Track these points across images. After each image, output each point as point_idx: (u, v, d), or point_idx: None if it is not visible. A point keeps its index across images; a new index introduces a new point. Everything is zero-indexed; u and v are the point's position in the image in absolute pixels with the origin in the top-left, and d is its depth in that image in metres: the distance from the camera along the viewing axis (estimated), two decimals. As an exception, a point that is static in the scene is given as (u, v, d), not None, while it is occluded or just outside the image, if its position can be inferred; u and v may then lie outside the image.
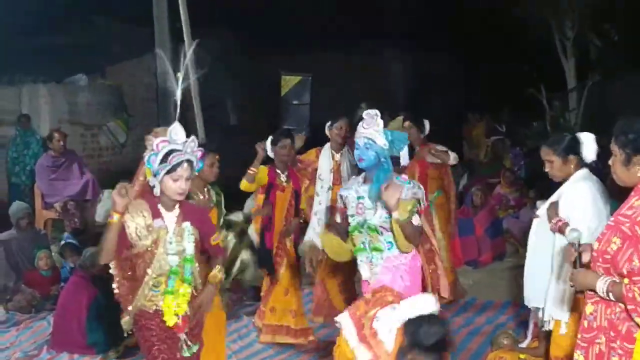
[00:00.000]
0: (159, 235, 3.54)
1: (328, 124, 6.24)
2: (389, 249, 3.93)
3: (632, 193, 2.82)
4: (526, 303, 4.43)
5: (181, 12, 7.98)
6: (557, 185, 4.14)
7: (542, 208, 4.28)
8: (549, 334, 4.75)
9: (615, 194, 3.45)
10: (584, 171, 4.03)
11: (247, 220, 5.92)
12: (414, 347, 3.38)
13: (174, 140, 3.47)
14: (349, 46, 13.52)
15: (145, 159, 3.53)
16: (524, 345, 5.02)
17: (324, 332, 5.86)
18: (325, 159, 6.12)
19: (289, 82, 10.70)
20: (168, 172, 3.47)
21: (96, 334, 5.65)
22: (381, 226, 3.91)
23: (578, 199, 3.93)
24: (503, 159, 10.82)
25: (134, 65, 12.67)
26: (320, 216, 5.92)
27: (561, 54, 11.38)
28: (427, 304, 3.74)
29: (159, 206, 3.58)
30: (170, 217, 3.60)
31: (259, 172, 5.52)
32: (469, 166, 11.12)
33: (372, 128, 3.89)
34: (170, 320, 3.56)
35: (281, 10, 12.20)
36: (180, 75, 3.63)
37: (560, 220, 3.91)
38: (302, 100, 10.93)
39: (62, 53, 11.48)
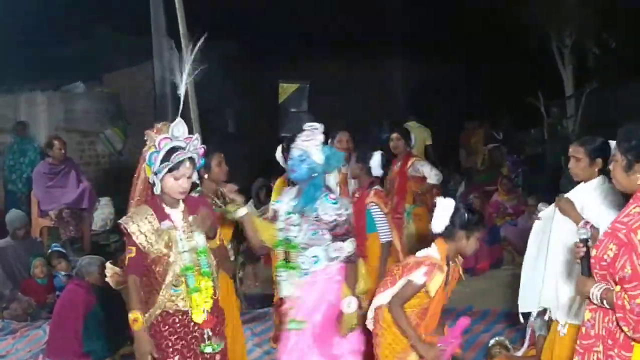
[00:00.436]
0: (170, 237, 3.46)
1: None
2: (315, 262, 3.90)
3: (631, 200, 2.82)
4: (520, 309, 4.39)
5: (179, 20, 7.98)
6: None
7: (547, 210, 4.26)
8: (545, 341, 4.75)
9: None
10: (604, 177, 3.99)
11: None
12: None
13: (175, 137, 3.41)
14: (349, 52, 13.52)
15: (147, 156, 3.46)
16: (520, 353, 5.01)
17: None
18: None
19: (286, 89, 10.70)
20: (170, 171, 3.41)
21: (92, 342, 5.63)
22: (306, 243, 3.89)
23: (607, 207, 3.87)
24: (500, 166, 10.82)
25: (132, 73, 12.67)
26: None
27: (559, 62, 11.42)
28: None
29: (164, 206, 3.51)
30: (176, 214, 3.53)
31: (278, 184, 5.40)
32: (467, 174, 11.12)
33: (310, 141, 3.87)
34: (199, 318, 3.46)
35: (281, 17, 12.21)
36: (185, 72, 3.58)
37: (588, 223, 3.81)
38: (300, 108, 10.93)
39: (60, 61, 11.50)
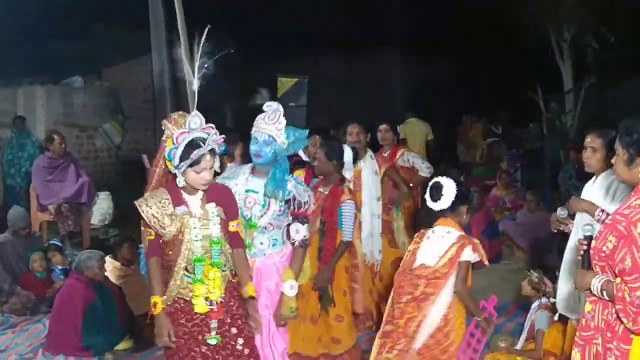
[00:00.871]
0: (184, 222, 3.44)
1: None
2: (273, 245, 3.97)
3: (632, 193, 2.83)
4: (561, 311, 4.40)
5: (177, 14, 7.98)
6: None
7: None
8: (544, 335, 4.77)
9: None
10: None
11: None
12: None
13: (192, 130, 3.38)
14: (348, 48, 13.53)
15: (165, 148, 3.44)
16: (518, 346, 5.03)
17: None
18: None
19: (285, 84, 10.71)
20: (191, 166, 3.39)
21: (92, 336, 5.62)
22: (270, 223, 3.91)
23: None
24: (499, 161, 10.82)
25: (131, 67, 12.68)
26: None
27: (558, 56, 11.42)
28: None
29: (181, 192, 3.48)
30: (193, 200, 3.50)
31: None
32: (465, 168, 11.13)
33: (274, 125, 3.85)
34: (199, 308, 3.45)
35: (280, 13, 12.19)
36: (196, 65, 3.57)
37: (603, 211, 3.83)
38: (299, 102, 10.93)
39: (59, 55, 11.49)
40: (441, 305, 3.95)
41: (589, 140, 4.05)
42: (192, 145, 3.37)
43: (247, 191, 3.95)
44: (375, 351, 4.09)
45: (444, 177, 4.10)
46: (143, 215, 3.46)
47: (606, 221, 2.87)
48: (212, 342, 3.49)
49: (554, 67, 11.52)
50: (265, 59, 12.14)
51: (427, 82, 13.59)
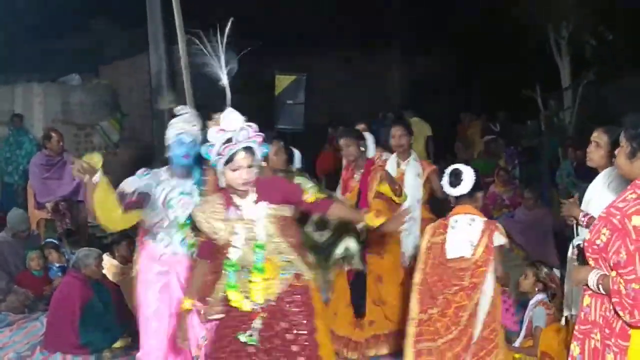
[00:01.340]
0: (233, 227, 3.43)
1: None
2: None
3: (629, 187, 2.83)
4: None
5: (175, 11, 7.95)
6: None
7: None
8: (542, 332, 4.77)
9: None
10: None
11: None
12: None
13: (227, 128, 3.34)
14: (347, 46, 13.51)
15: (203, 150, 3.44)
16: (516, 344, 5.03)
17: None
18: (389, 169, 5.61)
19: (282, 81, 10.69)
20: (226, 163, 3.35)
21: (90, 334, 5.63)
22: None
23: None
24: (498, 158, 10.82)
25: (128, 64, 12.64)
26: None
27: (556, 53, 11.42)
28: None
29: (232, 196, 3.45)
30: (246, 204, 3.45)
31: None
32: (463, 165, 11.10)
33: (195, 127, 4.01)
34: (239, 304, 3.43)
35: (279, 10, 12.18)
36: (222, 59, 3.58)
37: (587, 215, 3.84)
38: (297, 100, 10.90)
39: (56, 53, 11.47)
40: (489, 291, 3.95)
41: (595, 135, 4.03)
42: (226, 142, 3.34)
43: (180, 194, 4.07)
44: (412, 340, 4.01)
45: (462, 164, 4.16)
46: (196, 220, 3.50)
47: (600, 214, 2.87)
48: (243, 339, 3.44)
49: (552, 65, 11.53)
50: (264, 53, 12.13)
51: (425, 80, 13.59)
